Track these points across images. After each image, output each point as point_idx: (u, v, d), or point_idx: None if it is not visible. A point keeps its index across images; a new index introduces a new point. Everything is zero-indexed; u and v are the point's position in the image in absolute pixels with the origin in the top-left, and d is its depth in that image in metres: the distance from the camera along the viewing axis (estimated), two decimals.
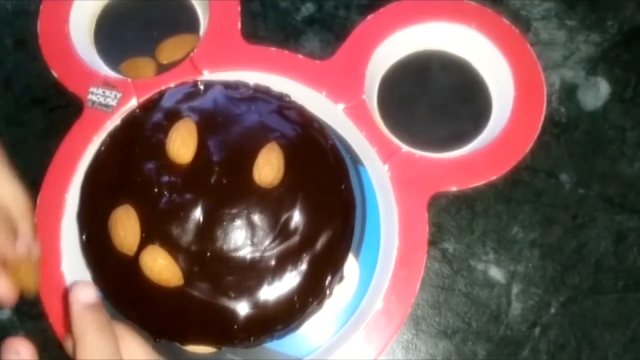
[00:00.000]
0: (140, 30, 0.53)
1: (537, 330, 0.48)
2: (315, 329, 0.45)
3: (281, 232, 0.41)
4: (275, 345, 0.44)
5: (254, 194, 0.41)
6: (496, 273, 0.49)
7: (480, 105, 0.51)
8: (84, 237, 0.44)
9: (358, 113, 0.48)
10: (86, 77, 0.49)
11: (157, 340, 0.43)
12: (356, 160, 0.48)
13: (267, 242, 0.41)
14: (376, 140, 0.47)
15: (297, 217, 0.42)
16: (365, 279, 0.46)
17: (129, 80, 0.49)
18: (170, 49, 0.51)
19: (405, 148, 0.47)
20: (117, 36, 0.53)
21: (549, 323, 0.48)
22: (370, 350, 0.44)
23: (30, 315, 0.49)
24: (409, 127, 0.50)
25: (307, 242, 0.42)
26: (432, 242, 0.49)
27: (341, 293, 0.45)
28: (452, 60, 0.52)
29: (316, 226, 0.42)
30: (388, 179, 0.46)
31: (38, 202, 0.46)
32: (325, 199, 0.43)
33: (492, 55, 0.50)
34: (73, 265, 0.45)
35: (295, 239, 0.42)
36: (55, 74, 0.49)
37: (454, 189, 0.46)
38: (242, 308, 0.41)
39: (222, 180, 0.42)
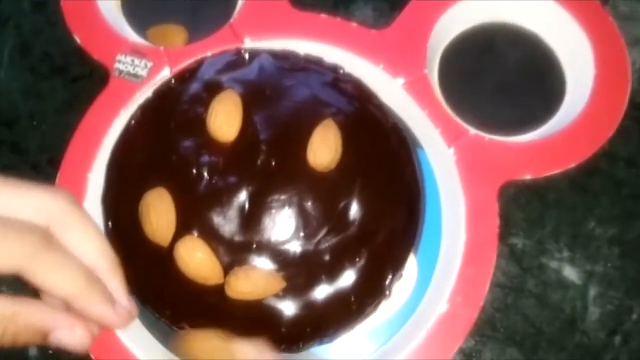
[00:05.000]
0: None
1: (617, 338, 0.44)
2: (366, 334, 0.41)
3: (337, 222, 0.38)
4: (318, 350, 0.41)
5: (307, 178, 0.38)
6: (571, 273, 0.46)
7: (552, 85, 0.47)
8: (109, 223, 0.40)
9: (419, 89, 0.44)
10: (113, 43, 0.45)
11: None
12: (414, 143, 0.44)
13: (321, 234, 0.38)
14: (440, 120, 0.43)
15: (355, 206, 0.38)
16: (424, 278, 0.42)
17: (161, 47, 0.45)
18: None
19: (472, 130, 0.43)
20: None
21: (630, 331, 0.44)
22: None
23: None
24: (472, 107, 0.46)
25: (366, 234, 0.38)
26: (499, 237, 0.44)
27: (397, 293, 0.41)
28: (521, 34, 0.48)
29: (377, 217, 0.39)
30: (454, 165, 0.42)
31: (57, 182, 0.43)
32: (387, 186, 0.39)
33: (568, 29, 0.46)
34: None
35: (353, 230, 0.38)
36: (78, 40, 0.45)
37: (527, 177, 0.42)
38: (291, 308, 0.38)
39: (270, 161, 0.38)
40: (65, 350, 0.33)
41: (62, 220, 0.32)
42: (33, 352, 0.45)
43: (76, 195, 0.40)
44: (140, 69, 0.44)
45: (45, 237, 0.31)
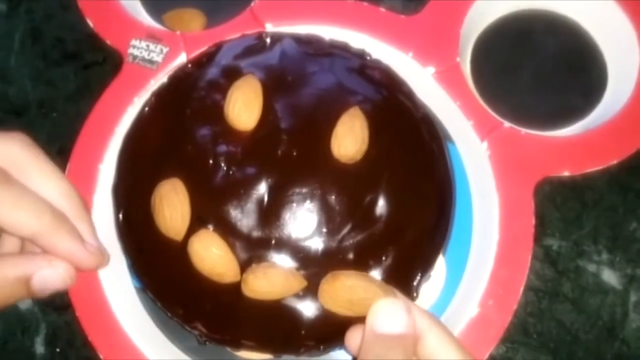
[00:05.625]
0: None
1: None
2: None
3: (363, 218, 0.36)
4: (338, 354, 0.39)
5: (331, 170, 0.36)
6: (610, 277, 0.44)
7: (593, 76, 0.45)
8: (120, 216, 0.38)
9: (451, 79, 0.42)
10: (127, 27, 0.44)
11: (204, 342, 0.38)
12: (444, 136, 0.42)
13: (345, 230, 0.36)
14: (473, 112, 0.41)
15: (382, 201, 0.36)
16: (453, 279, 0.40)
17: (178, 32, 0.43)
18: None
19: (506, 123, 0.41)
20: None
21: None
22: None
23: (54, 307, 0.45)
24: (507, 99, 0.44)
25: (393, 232, 0.36)
26: (534, 238, 0.43)
27: (425, 295, 0.39)
28: (560, 21, 0.46)
29: (405, 213, 0.37)
30: (487, 159, 0.40)
31: (67, 173, 0.41)
32: (416, 180, 0.38)
33: (611, 16, 0.44)
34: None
35: (380, 227, 0.36)
36: (91, 24, 0.44)
37: (565, 174, 0.40)
38: (312, 309, 0.36)
39: (291, 151, 0.36)
40: (70, 350, 0.31)
41: (18, 164, 0.31)
42: (40, 350, 0.44)
43: (86, 186, 0.40)
44: (156, 54, 0.43)
45: (3, 174, 0.30)
